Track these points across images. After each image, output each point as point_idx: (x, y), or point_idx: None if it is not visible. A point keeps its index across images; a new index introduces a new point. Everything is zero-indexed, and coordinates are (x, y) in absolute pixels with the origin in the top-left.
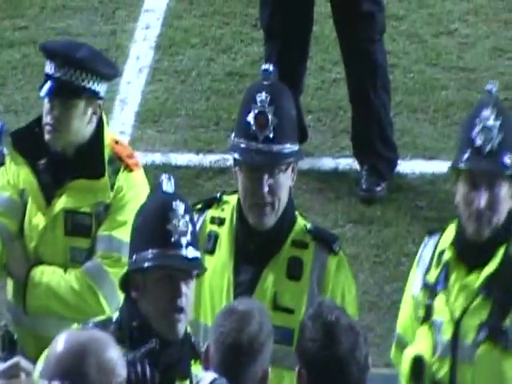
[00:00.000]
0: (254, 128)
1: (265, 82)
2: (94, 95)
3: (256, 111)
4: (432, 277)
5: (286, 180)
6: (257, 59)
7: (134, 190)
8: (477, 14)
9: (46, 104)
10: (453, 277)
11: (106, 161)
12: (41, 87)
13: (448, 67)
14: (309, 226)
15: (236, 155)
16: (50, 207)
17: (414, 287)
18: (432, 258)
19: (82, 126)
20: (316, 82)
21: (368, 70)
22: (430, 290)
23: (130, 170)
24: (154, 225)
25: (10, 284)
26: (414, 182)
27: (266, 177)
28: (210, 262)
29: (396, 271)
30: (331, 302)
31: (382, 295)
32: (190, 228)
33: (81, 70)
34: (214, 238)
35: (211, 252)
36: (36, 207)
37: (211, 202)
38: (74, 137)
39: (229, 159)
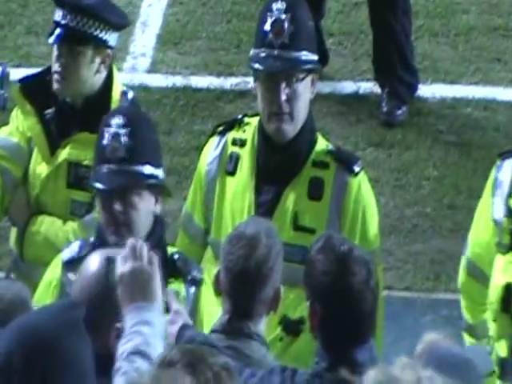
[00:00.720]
0: (270, 35)
1: None
2: (103, 44)
3: (272, 19)
4: None
5: (305, 90)
6: None
7: None
8: None
9: (55, 52)
10: None
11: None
12: (50, 35)
13: None
14: (330, 146)
15: (254, 64)
16: (54, 157)
17: (494, 213)
18: None
19: (90, 75)
20: (337, 5)
21: None
22: None
23: None
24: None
25: (12, 230)
26: (435, 106)
27: (283, 85)
28: (231, 183)
29: (416, 195)
30: (339, 235)
31: (402, 219)
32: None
33: (88, 17)
34: (235, 159)
35: (232, 173)
36: (41, 156)
37: (233, 124)
38: (81, 86)
39: (249, 82)
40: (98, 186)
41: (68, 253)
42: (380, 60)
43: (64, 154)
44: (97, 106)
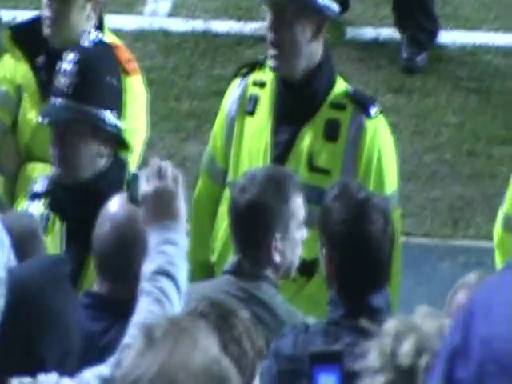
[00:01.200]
0: None
1: None
2: None
3: None
4: None
5: (304, 29)
6: None
7: (130, 94)
8: None
9: None
10: None
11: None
12: None
13: None
14: (349, 88)
15: None
16: (45, 104)
17: None
18: None
19: (81, 21)
20: None
21: None
22: None
23: (127, 74)
24: None
25: (0, 180)
26: (455, 52)
27: (283, 16)
28: (250, 123)
29: (435, 141)
30: (356, 182)
31: (421, 165)
32: None
33: None
34: (254, 99)
35: (251, 113)
36: (31, 103)
37: (254, 65)
38: (72, 32)
39: None
40: (40, 118)
41: (33, 188)
42: (400, 6)
43: None
44: None
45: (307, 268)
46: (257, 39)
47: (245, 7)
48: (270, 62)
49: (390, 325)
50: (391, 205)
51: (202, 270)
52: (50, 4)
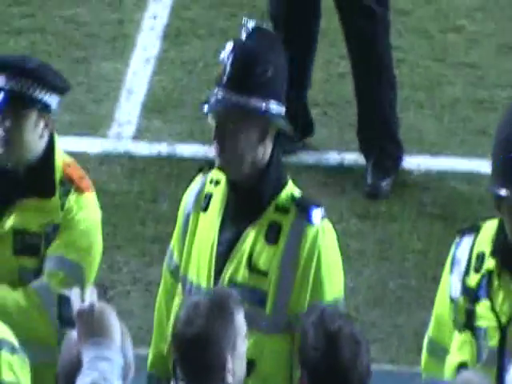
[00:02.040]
0: (222, 76)
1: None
2: (46, 107)
3: (225, 61)
4: (472, 281)
5: (248, 135)
6: None
7: (84, 211)
8: (484, 11)
9: None
10: (496, 283)
11: (58, 182)
12: None
13: (455, 63)
14: (296, 193)
15: (207, 105)
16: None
17: (452, 291)
18: (469, 261)
19: (34, 139)
20: (323, 75)
21: (373, 66)
22: (471, 296)
23: (81, 192)
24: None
25: None
26: (420, 178)
27: (226, 124)
28: (202, 220)
29: (401, 267)
30: (334, 310)
31: (386, 291)
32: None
33: (32, 80)
34: (208, 197)
35: (205, 211)
36: None
37: (213, 164)
38: (25, 151)
39: None
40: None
41: None
42: (365, 131)
43: (10, 222)
44: (40, 172)
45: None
46: None
47: (210, 131)
48: (217, 163)
49: None
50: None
51: (162, 363)
52: (3, 123)
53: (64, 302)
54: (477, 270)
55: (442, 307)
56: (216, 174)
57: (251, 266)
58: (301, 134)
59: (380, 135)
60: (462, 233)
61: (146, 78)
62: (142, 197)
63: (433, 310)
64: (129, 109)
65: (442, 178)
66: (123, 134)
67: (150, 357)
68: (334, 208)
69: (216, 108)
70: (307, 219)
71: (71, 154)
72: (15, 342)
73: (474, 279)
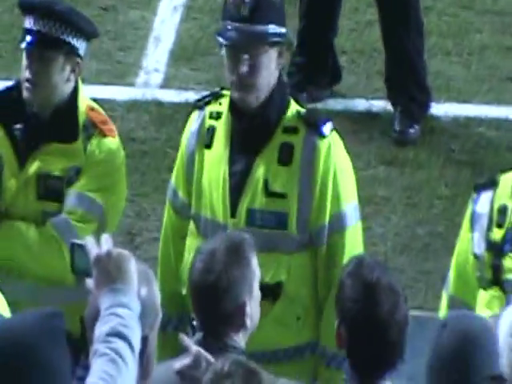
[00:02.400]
0: (232, 8)
1: None
2: (73, 51)
3: None
4: (497, 236)
5: (269, 62)
6: None
7: (106, 154)
8: None
9: (25, 60)
10: None
11: (81, 126)
12: (20, 42)
13: (482, 11)
14: (302, 111)
15: (218, 37)
16: (23, 171)
17: (475, 248)
18: (491, 216)
19: (61, 82)
20: (350, 23)
21: (401, 13)
22: (497, 250)
23: (104, 136)
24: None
25: None
26: (448, 124)
27: (245, 57)
28: (208, 155)
29: (428, 214)
30: (372, 260)
31: (414, 237)
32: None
33: (60, 23)
34: (211, 132)
35: (209, 146)
36: (10, 173)
37: (210, 98)
38: (51, 94)
39: None
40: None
41: None
42: (393, 78)
43: (34, 167)
44: (64, 116)
45: (271, 292)
46: None
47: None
48: (236, 94)
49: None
50: (349, 220)
51: (171, 302)
52: (29, 65)
53: (77, 249)
54: (500, 225)
55: (463, 264)
56: (215, 107)
57: (268, 190)
58: (329, 81)
59: (408, 82)
60: (479, 188)
61: (173, 25)
62: (169, 144)
63: (451, 269)
64: (156, 57)
65: (469, 125)
66: (151, 81)
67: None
68: (361, 155)
69: (236, 39)
70: (318, 133)
71: (99, 101)
72: None
73: (498, 234)
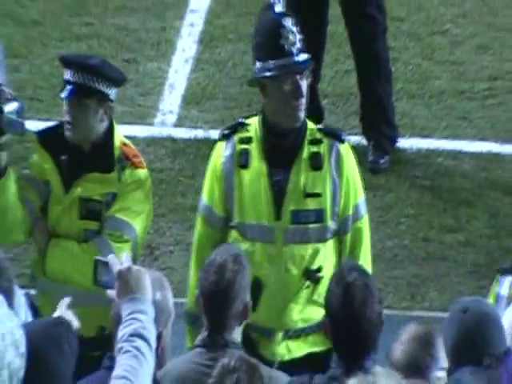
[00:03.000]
0: (285, 46)
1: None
2: (105, 97)
3: (282, 30)
4: None
5: (306, 89)
6: None
7: (137, 183)
8: (465, 17)
9: (65, 106)
10: None
11: (116, 159)
12: (61, 91)
13: (441, 61)
14: (319, 126)
15: (273, 72)
16: (67, 195)
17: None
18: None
19: (96, 123)
20: (331, 71)
21: (373, 63)
22: None
23: (135, 167)
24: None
25: (33, 251)
26: (412, 156)
27: (303, 82)
28: (245, 174)
29: (396, 229)
30: (356, 266)
31: (384, 249)
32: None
33: (94, 75)
34: (245, 154)
35: (245, 166)
36: (56, 198)
37: (236, 127)
38: (89, 132)
39: None
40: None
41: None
42: (366, 118)
43: (76, 191)
44: (102, 150)
45: (314, 275)
46: None
47: (236, 118)
48: (283, 120)
49: (353, 382)
50: (363, 209)
51: None
52: (69, 111)
53: (101, 265)
54: None
55: None
56: (243, 134)
57: (306, 193)
58: (314, 120)
59: (379, 121)
60: (503, 272)
61: (185, 75)
62: (182, 173)
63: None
64: (171, 100)
65: (430, 156)
66: (166, 121)
67: (189, 298)
68: None
69: (290, 71)
70: (340, 140)
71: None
72: None
73: None
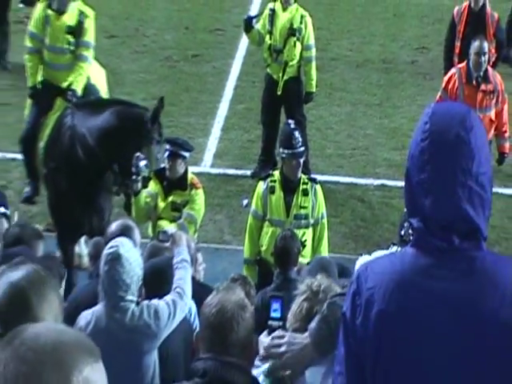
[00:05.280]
0: (292, 142)
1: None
2: (185, 157)
3: (294, 137)
4: None
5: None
6: None
7: (198, 195)
8: None
9: (166, 160)
10: None
11: (188, 184)
12: (164, 153)
13: None
14: (305, 176)
15: (286, 156)
16: (166, 200)
17: None
18: None
19: (180, 168)
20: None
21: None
22: None
23: (196, 188)
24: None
25: (150, 225)
26: None
27: (301, 161)
28: (272, 196)
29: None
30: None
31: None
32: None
33: (180, 147)
34: (273, 187)
35: (273, 192)
36: (160, 199)
37: (269, 175)
38: (176, 173)
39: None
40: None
41: None
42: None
43: (169, 198)
44: (182, 180)
45: (302, 243)
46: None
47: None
48: (291, 174)
49: (306, 280)
50: (325, 215)
51: (252, 257)
52: (168, 162)
53: (161, 233)
54: None
55: None
56: (271, 178)
57: (300, 205)
58: (271, 168)
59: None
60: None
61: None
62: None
63: None
64: (208, 157)
65: None
66: (207, 165)
67: (247, 253)
68: None
69: (294, 157)
70: (316, 183)
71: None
72: None
73: None
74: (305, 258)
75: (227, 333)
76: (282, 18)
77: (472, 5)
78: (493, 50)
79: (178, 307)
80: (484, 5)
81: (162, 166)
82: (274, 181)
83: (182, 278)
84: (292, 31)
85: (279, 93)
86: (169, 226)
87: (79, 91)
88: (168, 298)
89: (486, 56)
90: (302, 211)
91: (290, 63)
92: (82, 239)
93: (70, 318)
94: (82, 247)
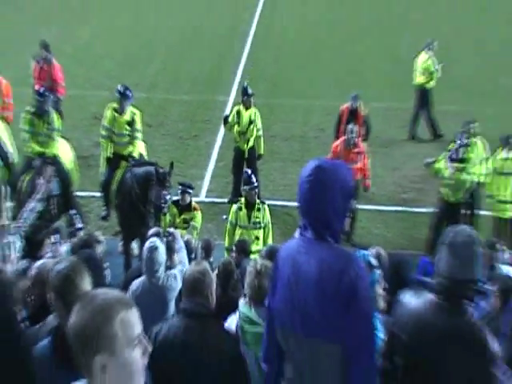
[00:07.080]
0: (250, 181)
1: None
2: (190, 193)
3: (247, 177)
4: None
5: None
6: None
7: (198, 214)
8: None
9: (180, 194)
10: None
11: (192, 208)
12: (176, 192)
13: None
14: (258, 200)
15: (247, 190)
16: (180, 217)
17: None
18: None
19: (187, 198)
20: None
21: None
22: None
23: (196, 210)
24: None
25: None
26: None
27: (255, 192)
28: (240, 212)
29: None
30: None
31: None
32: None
33: (187, 187)
34: (240, 206)
35: (241, 209)
36: (177, 217)
37: (237, 200)
38: (186, 201)
39: None
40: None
41: None
42: None
43: (182, 216)
44: (188, 205)
45: (257, 240)
46: None
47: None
48: (250, 198)
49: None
50: (269, 219)
51: (230, 250)
52: (180, 195)
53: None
54: None
55: None
56: (240, 200)
57: (255, 215)
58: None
59: None
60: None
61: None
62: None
63: None
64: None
65: None
66: (203, 196)
67: (227, 244)
68: None
69: (252, 190)
70: (264, 203)
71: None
72: None
73: None
74: (258, 245)
75: (196, 286)
76: (245, 115)
77: (350, 106)
78: (362, 131)
79: (183, 272)
80: (358, 105)
81: (176, 198)
82: (242, 203)
83: (183, 256)
84: (251, 121)
85: (246, 156)
86: (182, 232)
87: (136, 157)
88: (179, 267)
89: (354, 134)
90: (257, 219)
91: (250, 139)
92: (134, 241)
93: (128, 284)
94: (134, 246)
